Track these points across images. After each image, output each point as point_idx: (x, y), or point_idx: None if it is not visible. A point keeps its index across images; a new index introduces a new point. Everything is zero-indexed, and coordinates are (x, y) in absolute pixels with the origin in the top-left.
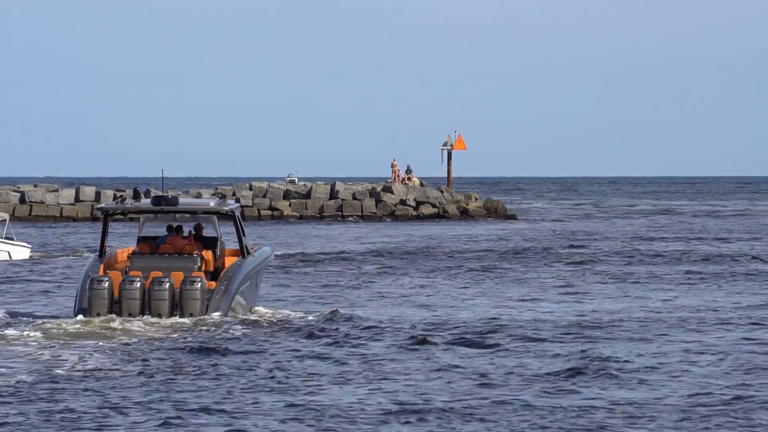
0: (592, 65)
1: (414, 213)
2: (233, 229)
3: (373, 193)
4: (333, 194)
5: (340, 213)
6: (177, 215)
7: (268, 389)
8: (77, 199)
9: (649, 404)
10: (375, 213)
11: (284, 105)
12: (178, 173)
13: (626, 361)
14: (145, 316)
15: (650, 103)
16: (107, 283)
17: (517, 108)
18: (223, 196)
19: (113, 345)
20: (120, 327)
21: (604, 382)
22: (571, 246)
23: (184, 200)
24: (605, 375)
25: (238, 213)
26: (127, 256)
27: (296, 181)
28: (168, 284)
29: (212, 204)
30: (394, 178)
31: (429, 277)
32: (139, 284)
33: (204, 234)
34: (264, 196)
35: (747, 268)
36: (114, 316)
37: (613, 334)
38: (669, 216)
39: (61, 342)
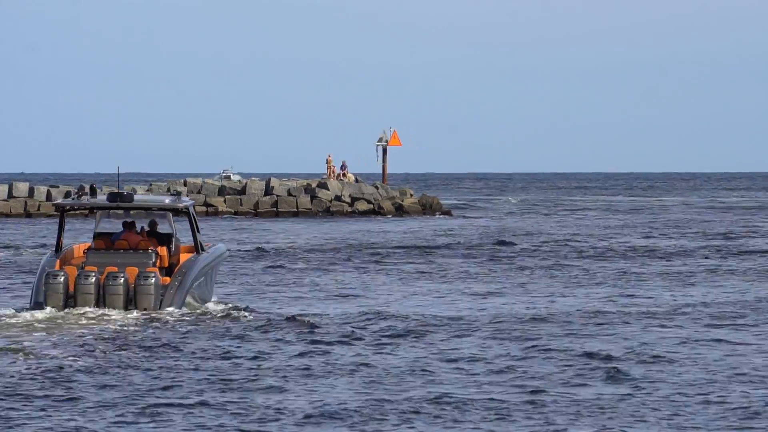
0: (529, 64)
1: (349, 209)
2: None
3: (308, 190)
4: (268, 190)
5: (275, 209)
6: (132, 211)
7: (217, 386)
8: (10, 196)
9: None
10: (310, 209)
11: (219, 100)
12: (112, 169)
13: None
14: (98, 310)
15: (593, 101)
16: (63, 277)
17: (453, 105)
18: (179, 193)
19: (64, 339)
20: (72, 321)
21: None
22: (502, 242)
23: (140, 197)
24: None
25: (192, 210)
26: (83, 252)
27: (231, 177)
28: (122, 279)
29: (167, 201)
30: (329, 174)
31: (366, 273)
32: (94, 279)
33: (159, 230)
34: (199, 192)
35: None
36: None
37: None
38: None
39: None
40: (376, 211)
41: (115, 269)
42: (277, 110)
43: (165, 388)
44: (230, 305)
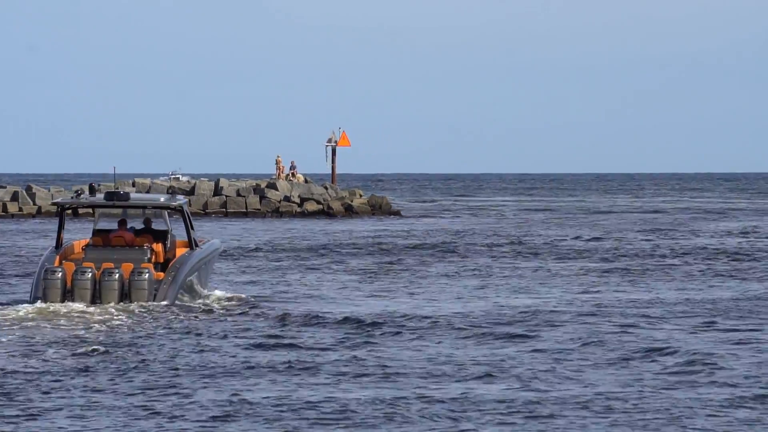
0: (477, 64)
1: (298, 210)
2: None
3: (257, 190)
4: (217, 191)
5: (224, 210)
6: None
7: (203, 381)
8: None
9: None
10: (259, 210)
11: (169, 101)
12: (59, 169)
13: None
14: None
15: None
16: (61, 273)
17: (401, 105)
18: (173, 192)
19: (60, 333)
20: (69, 315)
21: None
22: (449, 242)
23: (136, 195)
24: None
25: (186, 208)
26: (82, 248)
27: (180, 177)
28: (117, 275)
29: (162, 199)
30: (279, 174)
31: (323, 272)
32: (90, 275)
33: (154, 227)
34: (147, 193)
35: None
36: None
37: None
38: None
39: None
40: (326, 212)
41: (111, 265)
42: (226, 111)
43: (153, 384)
44: (228, 298)
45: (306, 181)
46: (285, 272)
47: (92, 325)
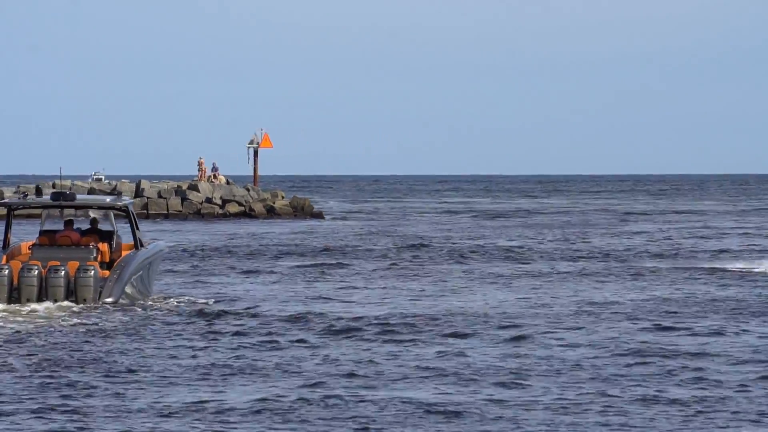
0: (403, 62)
1: (220, 211)
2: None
3: (178, 192)
4: (138, 192)
5: (145, 211)
6: (76, 210)
7: (138, 383)
8: None
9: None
10: (181, 211)
11: (90, 101)
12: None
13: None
14: (42, 302)
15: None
16: (7, 271)
17: (325, 106)
18: (119, 193)
19: (5, 333)
20: (15, 313)
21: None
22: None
23: (82, 196)
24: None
25: (131, 208)
26: (29, 248)
27: (102, 179)
28: (63, 272)
29: (108, 200)
30: (201, 176)
31: (251, 275)
32: (36, 272)
33: (100, 228)
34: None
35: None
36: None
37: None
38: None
39: None
40: (247, 213)
41: (58, 263)
42: (148, 111)
43: (88, 384)
44: (173, 298)
45: (228, 183)
46: (214, 274)
47: (35, 323)
